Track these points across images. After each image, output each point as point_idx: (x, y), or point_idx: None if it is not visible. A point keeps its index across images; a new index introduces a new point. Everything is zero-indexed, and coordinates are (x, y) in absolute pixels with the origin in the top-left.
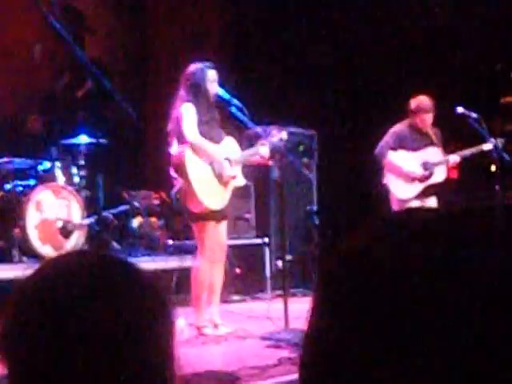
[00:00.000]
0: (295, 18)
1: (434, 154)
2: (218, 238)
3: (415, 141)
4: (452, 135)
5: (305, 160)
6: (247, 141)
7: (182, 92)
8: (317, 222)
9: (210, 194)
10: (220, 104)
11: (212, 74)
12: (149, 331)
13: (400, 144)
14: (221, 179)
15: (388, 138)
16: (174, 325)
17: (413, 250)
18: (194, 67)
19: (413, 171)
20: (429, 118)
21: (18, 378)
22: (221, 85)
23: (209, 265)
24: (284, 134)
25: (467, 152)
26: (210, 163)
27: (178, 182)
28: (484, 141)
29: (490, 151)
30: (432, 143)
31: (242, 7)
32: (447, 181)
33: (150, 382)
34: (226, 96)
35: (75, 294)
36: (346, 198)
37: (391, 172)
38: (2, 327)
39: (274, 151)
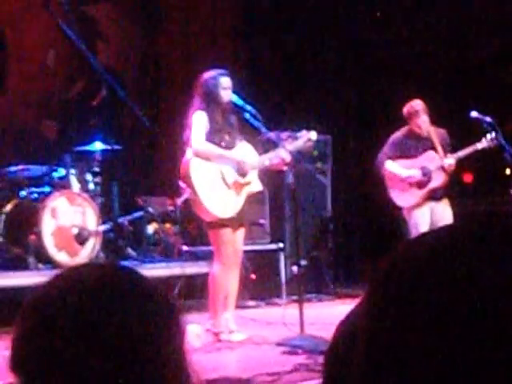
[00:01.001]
0: (309, 22)
1: (431, 158)
2: (234, 244)
3: (412, 147)
4: (467, 139)
5: (319, 165)
6: (261, 146)
7: (195, 100)
8: (331, 226)
9: (219, 202)
10: (236, 110)
11: (225, 81)
12: (160, 340)
13: (397, 152)
14: (229, 186)
15: (386, 148)
16: (185, 332)
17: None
18: (207, 75)
19: (411, 176)
20: (423, 121)
21: None
22: (235, 91)
23: (226, 271)
24: (313, 135)
25: (462, 153)
26: (218, 169)
27: (186, 192)
28: (502, 148)
29: (488, 149)
30: (431, 147)
31: (253, 13)
32: (459, 184)
33: None
34: (240, 102)
35: (85, 308)
36: (359, 203)
37: (391, 181)
38: (15, 343)
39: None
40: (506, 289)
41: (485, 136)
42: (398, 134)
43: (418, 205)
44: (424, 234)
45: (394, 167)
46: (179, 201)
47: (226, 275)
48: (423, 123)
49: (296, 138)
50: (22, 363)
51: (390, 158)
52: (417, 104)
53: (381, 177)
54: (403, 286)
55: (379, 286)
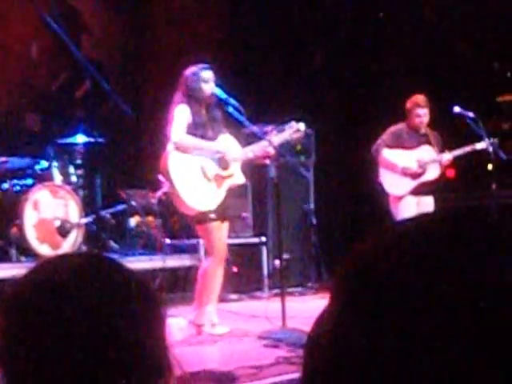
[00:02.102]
0: (294, 16)
1: (428, 152)
2: (220, 237)
3: (411, 140)
4: (449, 135)
5: (302, 159)
6: (245, 140)
7: (177, 95)
8: (314, 220)
9: (198, 196)
10: (219, 104)
11: (207, 74)
12: (139, 330)
13: (396, 142)
14: (208, 179)
15: (385, 136)
16: (165, 323)
17: (419, 255)
18: (188, 71)
19: (408, 167)
20: (424, 113)
21: (13, 382)
22: (218, 84)
23: (217, 265)
24: (302, 125)
25: (460, 151)
26: (198, 162)
27: (165, 185)
28: (479, 140)
29: (486, 150)
30: (427, 142)
31: (241, 7)
32: (444, 179)
33: (145, 380)
34: (223, 95)
35: (63, 298)
36: (343, 197)
37: (385, 168)
38: None
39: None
40: (476, 283)
41: (486, 139)
42: (398, 126)
43: (407, 195)
44: (389, 225)
45: (391, 155)
46: (157, 194)
47: (216, 269)
48: (424, 116)
49: (282, 130)
50: (4, 354)
51: (387, 145)
52: (422, 97)
53: (375, 163)
54: (366, 276)
55: (342, 280)
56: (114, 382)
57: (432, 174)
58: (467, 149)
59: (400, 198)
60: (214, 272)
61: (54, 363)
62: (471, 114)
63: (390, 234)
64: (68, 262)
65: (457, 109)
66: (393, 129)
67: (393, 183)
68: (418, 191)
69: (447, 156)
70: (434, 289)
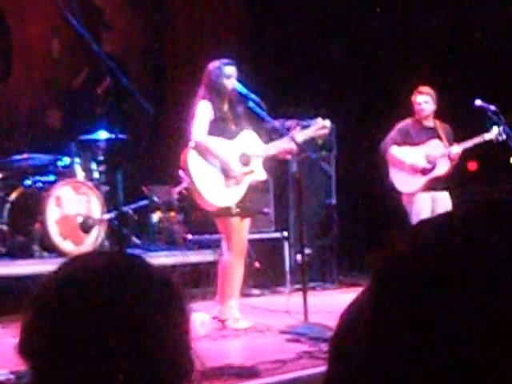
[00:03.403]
0: (314, 10)
1: (436, 146)
2: (240, 232)
3: (419, 135)
4: (470, 128)
5: (323, 153)
6: (266, 135)
7: (200, 90)
8: (336, 215)
9: (217, 191)
10: (240, 99)
11: (229, 70)
12: (165, 326)
13: (404, 139)
14: (228, 176)
15: (392, 133)
16: (189, 319)
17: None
18: (211, 65)
19: (415, 163)
20: (424, 101)
21: (41, 378)
22: (239, 80)
23: (237, 259)
24: (327, 122)
25: (469, 143)
26: (217, 161)
27: (184, 181)
28: (488, 131)
29: (496, 140)
30: (436, 136)
31: (260, 6)
32: (460, 173)
33: (169, 375)
34: (244, 91)
35: (92, 294)
36: (364, 192)
37: (394, 166)
38: (24, 327)
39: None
40: (503, 276)
41: (493, 127)
42: (405, 122)
43: (419, 192)
44: (423, 222)
45: (399, 153)
46: (176, 190)
47: (236, 263)
48: (417, 105)
49: (307, 127)
50: (32, 348)
51: (395, 143)
52: (426, 87)
53: (384, 161)
54: (405, 274)
55: (382, 274)
56: (136, 378)
57: (442, 168)
58: (476, 140)
59: (413, 195)
60: (233, 266)
61: (78, 359)
62: (493, 107)
63: (426, 229)
64: (94, 261)
65: (478, 102)
66: (400, 125)
67: (403, 181)
68: (430, 187)
69: (456, 149)
70: (469, 285)
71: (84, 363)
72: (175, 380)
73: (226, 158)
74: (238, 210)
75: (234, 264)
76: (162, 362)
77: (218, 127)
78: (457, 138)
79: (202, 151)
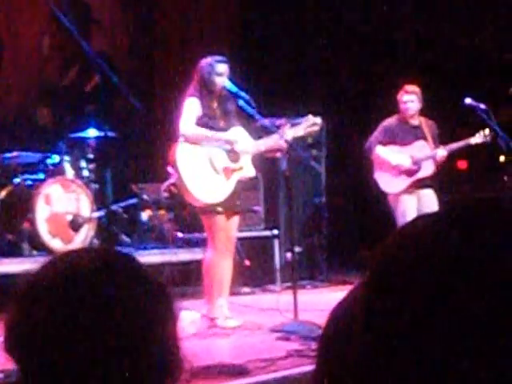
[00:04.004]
0: (306, 8)
1: (421, 148)
2: (227, 230)
3: (404, 134)
4: (460, 126)
5: (313, 152)
6: (256, 133)
7: (190, 86)
8: (325, 213)
9: (206, 188)
10: (230, 97)
11: (221, 67)
12: (152, 324)
13: (389, 138)
14: (217, 170)
15: (377, 132)
16: (177, 318)
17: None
18: (203, 61)
19: (401, 164)
20: (410, 100)
21: (28, 375)
22: (230, 78)
23: (219, 257)
24: (318, 119)
25: (454, 146)
26: (207, 154)
27: (172, 177)
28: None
29: (483, 144)
30: (421, 137)
31: (252, 3)
32: (456, 171)
33: (155, 373)
34: (234, 89)
35: (78, 291)
36: (354, 190)
37: (379, 166)
38: (10, 325)
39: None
40: (493, 274)
41: (480, 131)
42: (389, 120)
43: (405, 192)
44: (414, 221)
45: (384, 153)
46: (163, 186)
47: (219, 261)
48: (402, 104)
49: (297, 124)
50: (18, 346)
51: (380, 142)
52: (408, 85)
53: (369, 161)
54: (398, 273)
55: (375, 274)
56: (124, 377)
57: (427, 170)
58: (461, 144)
59: (398, 195)
60: (217, 264)
61: (65, 357)
62: (483, 106)
63: (415, 226)
64: (81, 257)
65: (468, 100)
66: (384, 124)
67: (388, 181)
68: (415, 187)
69: (441, 152)
70: (464, 284)
71: (71, 361)
72: (163, 379)
73: (217, 151)
74: (224, 207)
75: (216, 262)
76: (150, 361)
77: (206, 123)
78: (446, 137)
79: (193, 141)
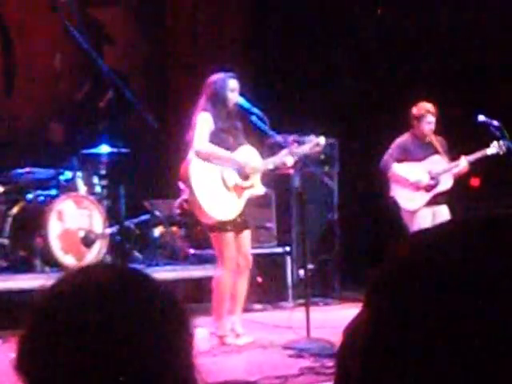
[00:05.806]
0: (316, 27)
1: (438, 162)
2: (240, 247)
3: (419, 151)
4: (472, 143)
5: (326, 169)
6: (268, 149)
7: (201, 101)
8: (338, 230)
9: (217, 205)
10: (242, 113)
11: (233, 83)
12: (168, 342)
13: (404, 155)
14: (228, 188)
15: (392, 150)
16: (193, 335)
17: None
18: (215, 76)
19: (419, 180)
20: (431, 121)
21: None
22: (242, 94)
23: (229, 274)
24: (322, 140)
25: (471, 157)
26: (219, 171)
27: (185, 193)
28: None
29: (498, 154)
30: (436, 152)
31: (262, 20)
32: (469, 188)
33: None
34: (247, 105)
35: (93, 308)
36: (367, 207)
37: (397, 184)
38: (21, 344)
39: (295, 160)
40: (503, 290)
41: (494, 142)
42: (403, 138)
43: (422, 208)
44: (417, 235)
45: (401, 170)
46: (176, 202)
47: (229, 278)
48: (431, 124)
49: (303, 143)
50: (28, 364)
51: (396, 160)
52: (425, 106)
53: (386, 179)
54: (401, 288)
55: (378, 288)
56: None
57: (446, 184)
58: (478, 155)
59: (414, 212)
60: (225, 282)
61: (76, 375)
62: (496, 123)
63: (423, 242)
64: (94, 274)
65: (481, 117)
66: (399, 141)
67: (407, 198)
68: (433, 201)
69: (464, 162)
70: (467, 298)
71: (83, 378)
72: None
73: (229, 169)
74: (233, 225)
75: (225, 279)
76: (164, 379)
77: (218, 139)
78: (459, 153)
79: (205, 159)
